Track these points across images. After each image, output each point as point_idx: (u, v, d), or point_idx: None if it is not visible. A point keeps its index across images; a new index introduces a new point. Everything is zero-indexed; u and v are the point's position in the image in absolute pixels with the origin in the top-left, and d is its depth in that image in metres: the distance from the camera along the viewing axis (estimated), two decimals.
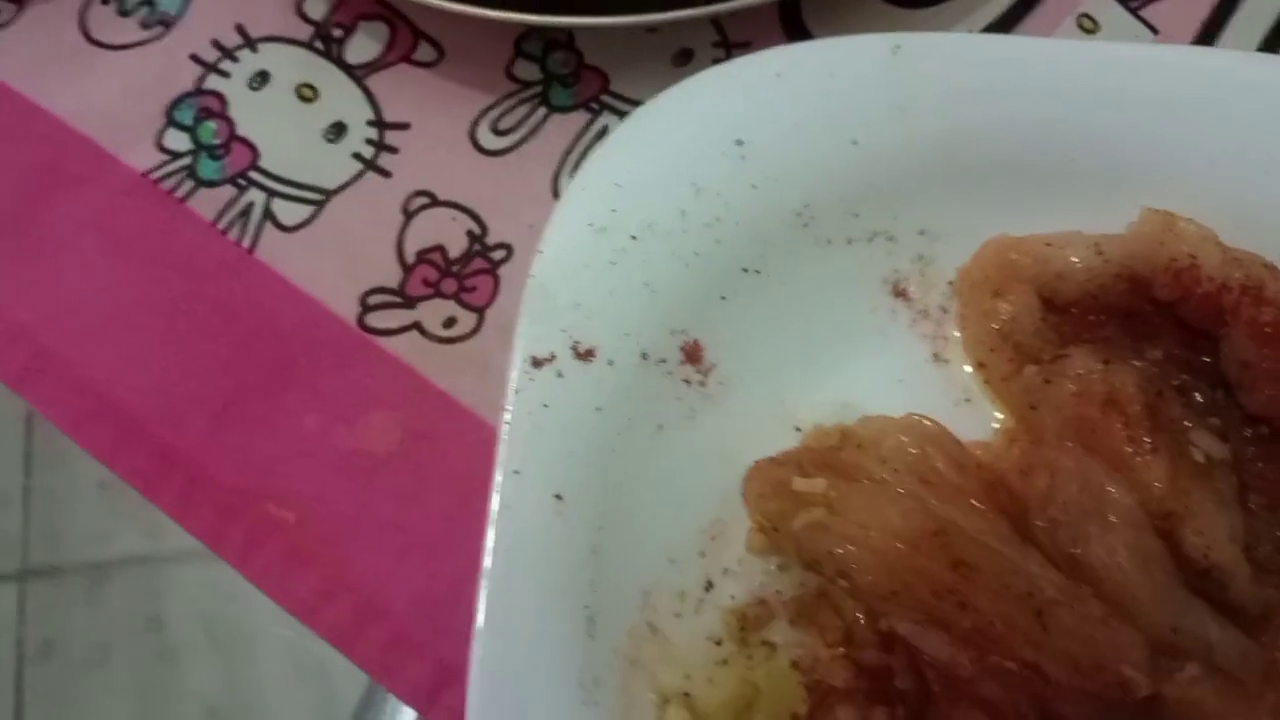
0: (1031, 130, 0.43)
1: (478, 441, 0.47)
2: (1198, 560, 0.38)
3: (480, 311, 0.49)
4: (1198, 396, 0.41)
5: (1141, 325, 0.42)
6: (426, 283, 0.50)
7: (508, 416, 0.39)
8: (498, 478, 0.38)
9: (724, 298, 0.43)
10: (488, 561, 0.37)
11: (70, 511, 1.35)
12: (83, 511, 1.35)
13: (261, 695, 1.26)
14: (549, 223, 0.41)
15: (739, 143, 0.42)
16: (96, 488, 1.33)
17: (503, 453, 0.39)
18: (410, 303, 0.49)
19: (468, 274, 0.50)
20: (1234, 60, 0.45)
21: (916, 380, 0.44)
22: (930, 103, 0.43)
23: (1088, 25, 0.52)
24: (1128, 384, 0.39)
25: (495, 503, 0.38)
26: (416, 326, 0.49)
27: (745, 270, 0.43)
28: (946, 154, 0.43)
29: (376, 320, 0.49)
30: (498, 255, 0.50)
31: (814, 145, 0.43)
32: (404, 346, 0.49)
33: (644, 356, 0.41)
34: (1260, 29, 0.52)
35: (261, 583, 0.46)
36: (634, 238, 0.41)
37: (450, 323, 0.49)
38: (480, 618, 0.37)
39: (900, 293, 0.45)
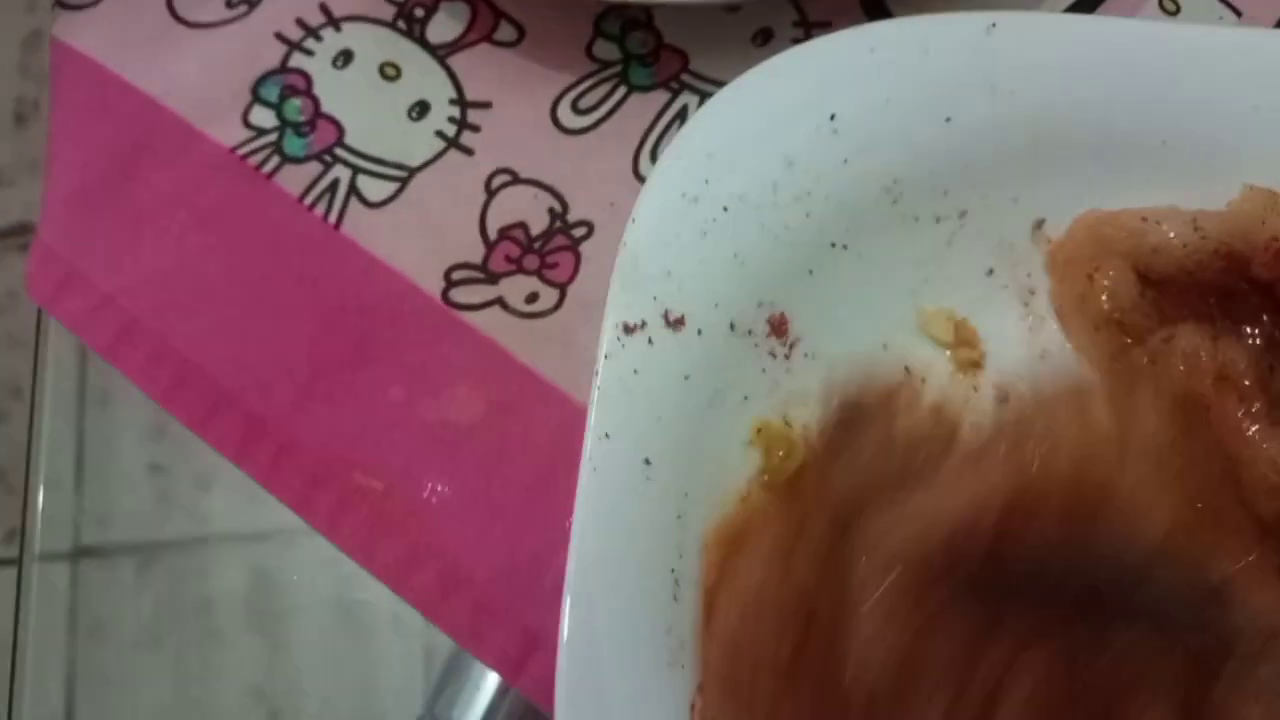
0: (1123, 110, 0.43)
1: (560, 415, 0.47)
2: None
3: (562, 288, 0.49)
4: None
5: (1238, 304, 0.41)
6: (509, 259, 0.50)
7: (598, 381, 0.39)
8: (588, 441, 0.39)
9: (811, 272, 0.43)
10: (577, 522, 0.38)
11: (120, 494, 1.37)
12: (133, 494, 1.37)
13: (307, 678, 1.27)
14: (642, 192, 0.42)
15: (832, 118, 0.43)
16: (146, 471, 1.34)
17: (593, 416, 0.39)
18: (493, 278, 0.50)
19: (549, 251, 0.50)
20: None
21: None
22: (1023, 81, 0.43)
23: (1170, 7, 0.52)
24: (1239, 358, 0.39)
25: (585, 465, 0.38)
26: (499, 302, 0.50)
27: (833, 245, 0.43)
28: (1038, 133, 0.43)
29: (460, 295, 0.50)
30: (579, 233, 0.50)
31: (905, 122, 0.43)
32: (487, 321, 0.49)
33: (732, 327, 0.42)
34: None
35: (350, 549, 0.47)
36: (725, 209, 0.42)
37: (532, 298, 0.49)
38: (570, 576, 0.37)
39: (988, 271, 0.45)
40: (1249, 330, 0.41)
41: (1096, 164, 0.44)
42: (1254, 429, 0.38)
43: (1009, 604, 0.38)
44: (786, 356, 0.43)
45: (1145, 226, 0.42)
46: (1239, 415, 0.39)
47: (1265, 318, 0.41)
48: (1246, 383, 0.39)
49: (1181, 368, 0.40)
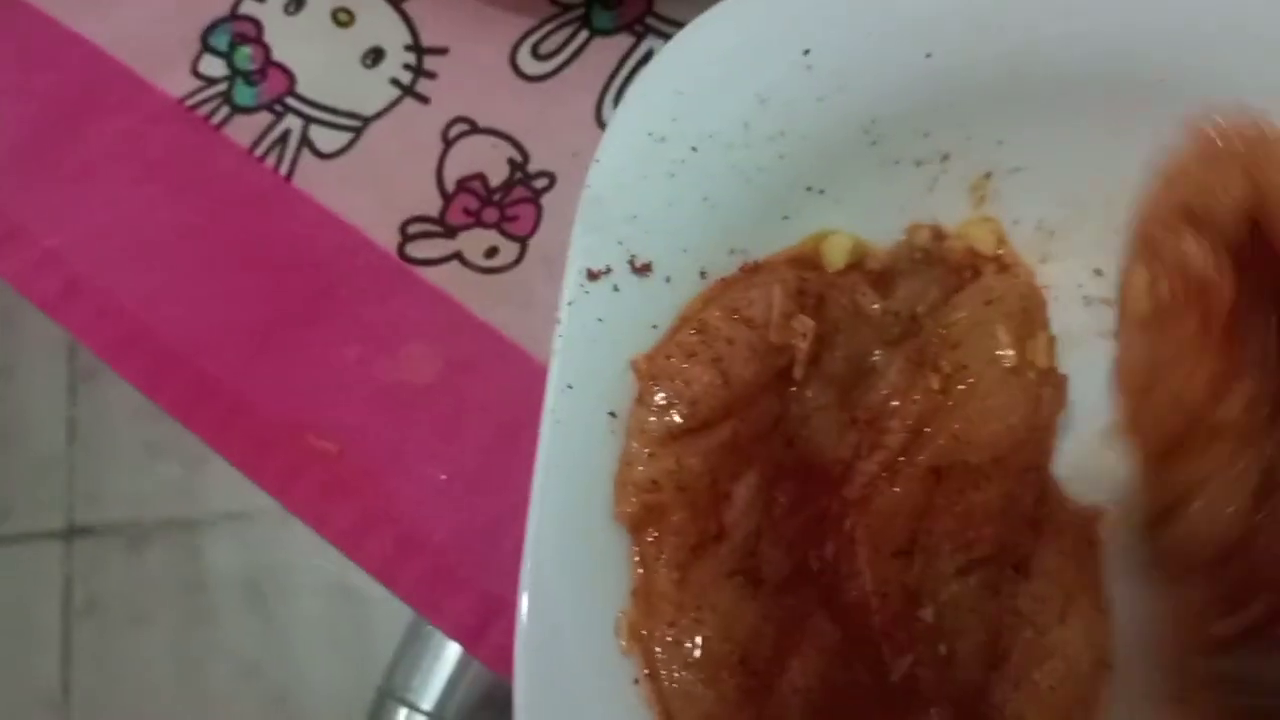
0: (1115, 43, 0.41)
1: (520, 374, 0.45)
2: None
3: (523, 241, 0.47)
4: None
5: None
6: (467, 211, 0.48)
7: (561, 329, 0.37)
8: (549, 392, 0.36)
9: (786, 217, 0.41)
10: (538, 478, 0.35)
11: (114, 472, 1.37)
12: (126, 473, 1.37)
13: (299, 655, 1.26)
14: (606, 132, 0.39)
15: (806, 53, 0.40)
16: (141, 449, 1.34)
17: (555, 367, 0.37)
18: (451, 232, 0.48)
19: (509, 203, 0.48)
20: None
21: None
22: (1010, 15, 0.41)
23: None
24: (1226, 287, 0.37)
25: (547, 418, 0.36)
26: (457, 256, 0.47)
27: (809, 189, 0.41)
28: (1025, 70, 0.41)
29: (417, 250, 0.48)
30: (540, 184, 0.48)
31: (884, 58, 0.41)
32: (445, 276, 0.47)
33: (702, 275, 0.39)
34: None
35: (301, 513, 0.44)
36: (694, 149, 0.39)
37: (492, 252, 0.47)
38: (529, 535, 0.35)
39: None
40: None
41: (1086, 104, 0.42)
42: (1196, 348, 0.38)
43: None
44: None
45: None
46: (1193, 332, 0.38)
47: None
48: (1219, 309, 0.38)
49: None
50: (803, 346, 0.39)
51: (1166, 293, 0.40)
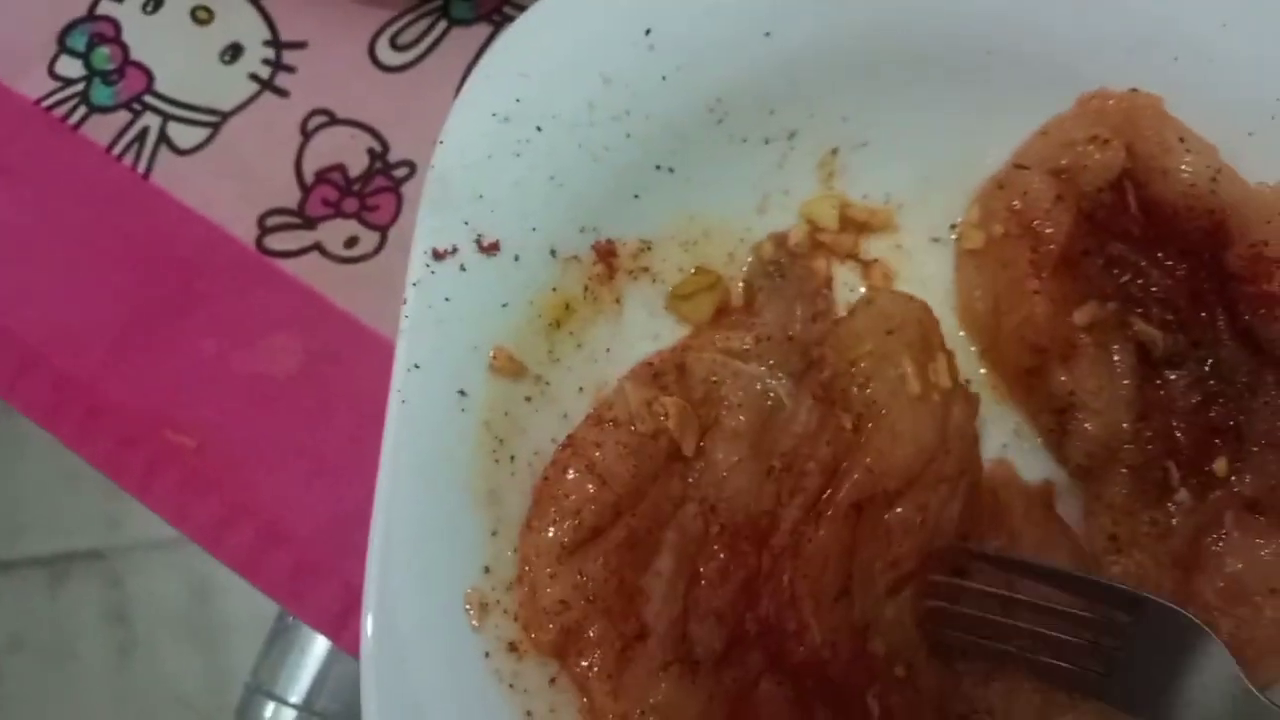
0: (949, 20, 0.42)
1: (383, 362, 0.45)
2: (1061, 397, 0.39)
3: (383, 230, 0.47)
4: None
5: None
6: (327, 202, 0.48)
7: (407, 310, 0.37)
8: (396, 373, 0.36)
9: (637, 196, 0.41)
10: (385, 458, 0.35)
11: (31, 505, 1.34)
12: (43, 505, 1.34)
13: (228, 684, 1.25)
14: (450, 112, 0.40)
15: (648, 32, 0.41)
16: (58, 481, 1.31)
17: (402, 347, 0.37)
18: (310, 223, 0.48)
19: (369, 193, 0.48)
20: None
21: None
22: None
23: None
24: (1063, 221, 0.39)
25: (394, 398, 0.36)
26: (317, 247, 0.47)
27: (658, 168, 0.42)
28: (867, 46, 0.42)
29: (276, 242, 0.47)
30: (400, 173, 0.48)
31: (725, 35, 0.41)
32: (305, 268, 0.47)
33: (553, 253, 0.40)
34: None
35: (161, 509, 0.44)
36: (539, 129, 0.40)
37: (352, 242, 0.47)
38: (376, 515, 0.35)
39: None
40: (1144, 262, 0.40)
41: (929, 79, 0.43)
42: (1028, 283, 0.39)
43: None
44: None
45: (1176, 145, 0.40)
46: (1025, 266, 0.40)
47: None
48: (1049, 247, 0.40)
49: (1016, 204, 0.41)
50: (670, 426, 0.39)
51: (1000, 230, 0.41)
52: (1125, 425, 0.39)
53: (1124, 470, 0.39)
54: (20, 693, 1.27)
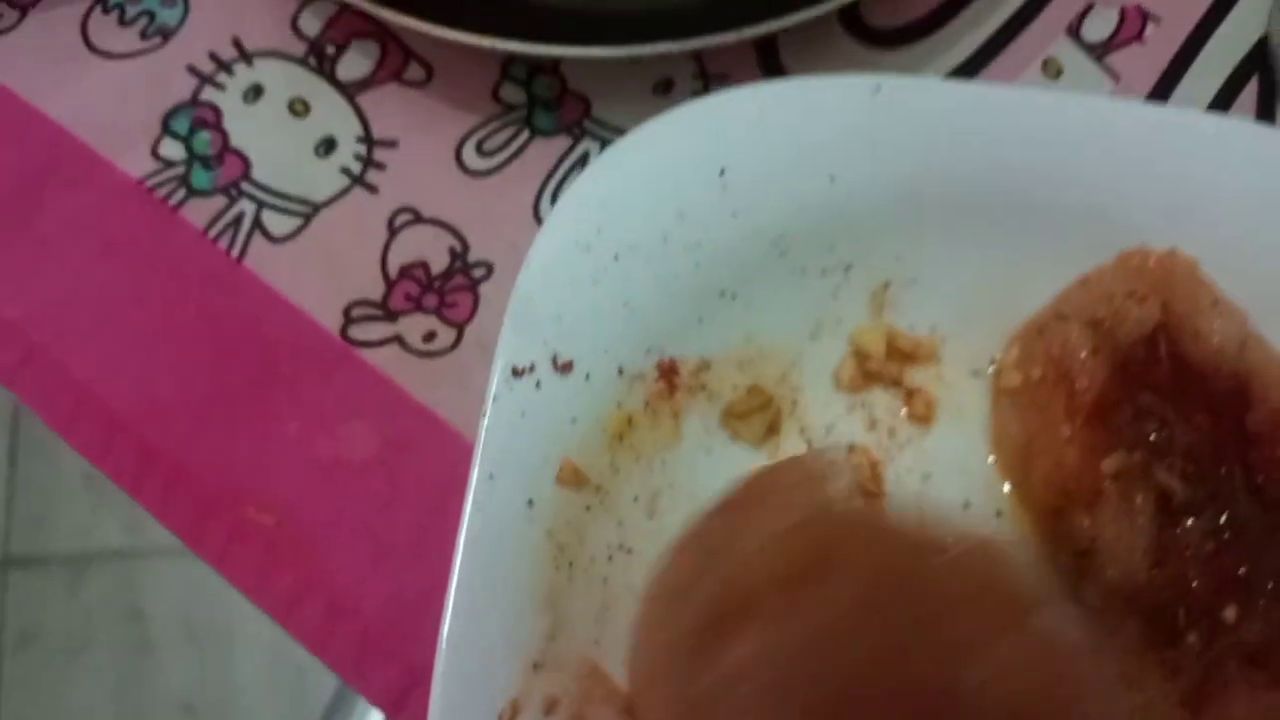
0: (1000, 173, 0.45)
1: (453, 454, 0.48)
2: (1083, 540, 0.42)
3: (460, 327, 0.50)
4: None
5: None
6: (408, 297, 0.51)
7: (486, 421, 0.40)
8: (472, 480, 0.40)
9: (700, 320, 0.44)
10: (458, 559, 0.38)
11: (54, 503, 1.36)
12: (66, 503, 1.36)
13: (236, 692, 1.26)
14: (536, 238, 0.43)
15: (722, 173, 0.44)
16: (81, 480, 1.34)
17: (479, 456, 0.40)
18: (392, 316, 0.51)
19: (449, 290, 0.51)
20: (1190, 117, 0.47)
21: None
22: (906, 143, 0.45)
23: (1052, 70, 0.55)
24: (1098, 373, 0.42)
25: (469, 504, 0.39)
26: (397, 339, 0.50)
27: (722, 294, 0.45)
28: (918, 193, 0.45)
29: (359, 332, 0.50)
30: (478, 273, 0.51)
31: (792, 179, 0.44)
32: (384, 358, 0.50)
33: (620, 372, 0.43)
34: (1216, 80, 0.55)
35: (238, 582, 0.47)
36: (616, 258, 0.43)
37: (430, 337, 0.50)
38: (448, 613, 0.38)
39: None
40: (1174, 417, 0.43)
41: (975, 223, 0.46)
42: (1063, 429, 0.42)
43: None
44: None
45: (1209, 308, 0.43)
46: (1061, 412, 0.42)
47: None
48: (1085, 396, 0.42)
49: (1055, 351, 0.43)
50: None
51: (1038, 373, 0.44)
52: (1142, 573, 0.41)
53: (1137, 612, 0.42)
54: (26, 688, 1.29)
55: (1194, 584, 0.41)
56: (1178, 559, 0.41)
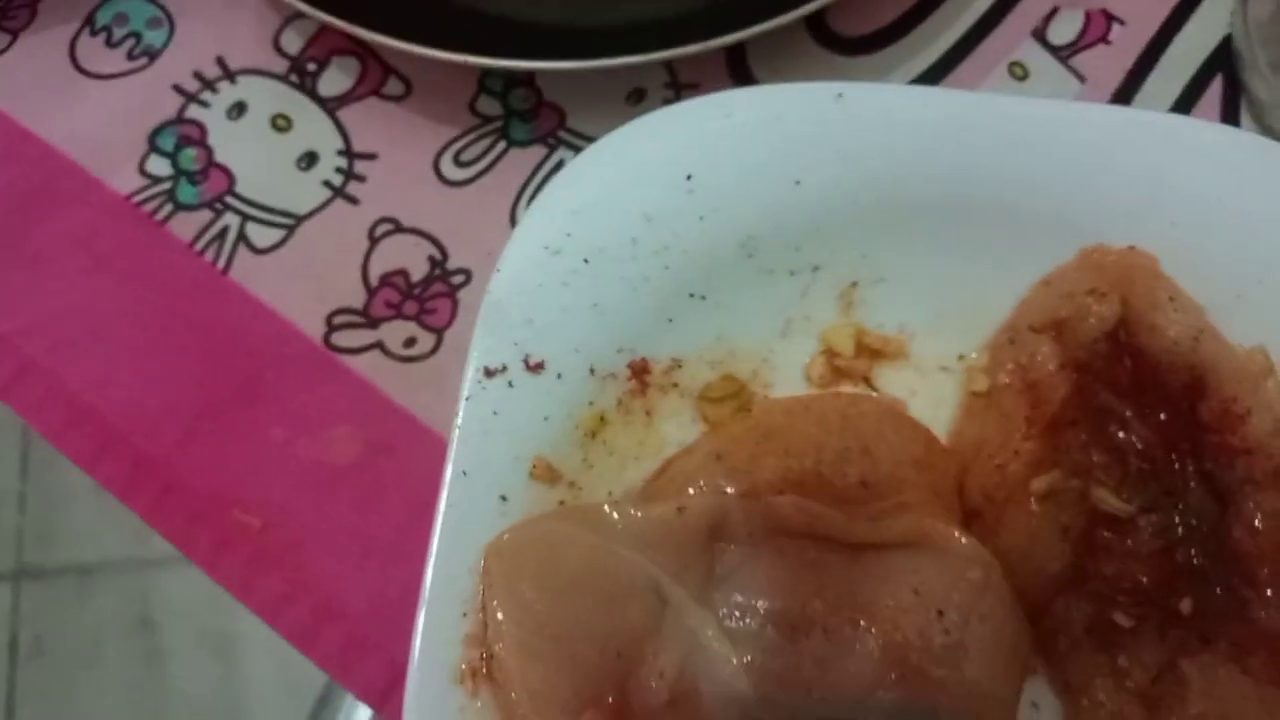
0: (961, 175, 0.46)
1: (433, 456, 0.49)
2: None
3: (439, 333, 0.52)
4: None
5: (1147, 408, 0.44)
6: (389, 304, 0.52)
7: (459, 421, 0.42)
8: (446, 478, 0.41)
9: (671, 320, 0.46)
10: (432, 554, 0.40)
11: (65, 513, 1.37)
12: (77, 514, 1.37)
13: (247, 698, 1.27)
14: (508, 244, 0.44)
15: (689, 177, 0.45)
16: (92, 491, 1.35)
17: (452, 455, 0.41)
18: (373, 323, 0.52)
19: (428, 297, 0.52)
20: (1149, 118, 0.48)
21: None
22: (869, 148, 0.46)
23: (1019, 72, 0.56)
24: (1061, 388, 0.43)
25: (443, 500, 0.40)
26: (379, 346, 0.52)
27: (691, 295, 0.46)
28: (882, 195, 0.46)
29: (341, 339, 0.52)
30: (457, 280, 0.52)
31: (758, 183, 0.46)
32: (366, 364, 0.51)
33: (592, 371, 0.44)
34: (1181, 80, 0.56)
35: (227, 584, 0.48)
36: (586, 261, 0.44)
37: (410, 343, 0.52)
38: (423, 607, 0.39)
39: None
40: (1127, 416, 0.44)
41: (940, 224, 0.47)
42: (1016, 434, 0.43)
43: None
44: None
45: (1166, 303, 0.45)
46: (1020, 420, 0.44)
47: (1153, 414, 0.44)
48: (1046, 409, 0.43)
49: (1023, 361, 0.45)
50: None
51: (1005, 380, 0.45)
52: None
53: (1073, 619, 0.42)
54: (39, 697, 1.30)
55: (1144, 580, 0.42)
56: (1121, 559, 0.42)
